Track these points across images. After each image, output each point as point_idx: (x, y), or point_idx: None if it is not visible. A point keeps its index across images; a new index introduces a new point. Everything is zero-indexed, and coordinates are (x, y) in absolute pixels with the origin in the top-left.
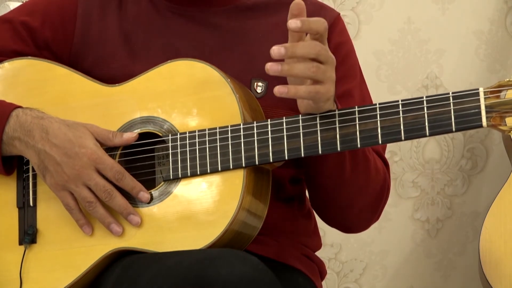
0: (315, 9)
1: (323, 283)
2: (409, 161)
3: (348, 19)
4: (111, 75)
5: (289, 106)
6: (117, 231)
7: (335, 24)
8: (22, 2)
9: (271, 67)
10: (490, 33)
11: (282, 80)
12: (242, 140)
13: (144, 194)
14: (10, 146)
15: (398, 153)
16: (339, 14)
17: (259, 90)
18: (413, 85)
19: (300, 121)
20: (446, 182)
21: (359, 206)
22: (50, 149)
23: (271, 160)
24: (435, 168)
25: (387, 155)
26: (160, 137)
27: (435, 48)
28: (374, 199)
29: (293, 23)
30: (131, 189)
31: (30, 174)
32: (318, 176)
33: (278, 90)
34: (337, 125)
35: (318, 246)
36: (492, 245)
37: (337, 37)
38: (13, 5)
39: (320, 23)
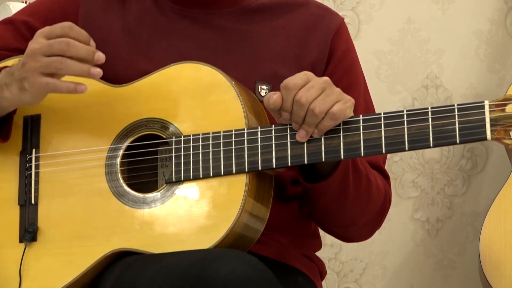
0: (319, 12)
1: (323, 283)
2: (409, 161)
3: (348, 19)
4: (115, 76)
5: None
6: (97, 72)
7: (341, 31)
8: (23, 2)
9: (301, 138)
10: (490, 33)
11: None
12: (245, 145)
13: (94, 46)
14: (1, 99)
15: (398, 153)
16: (343, 19)
17: (263, 93)
18: (413, 85)
19: None
20: (446, 182)
21: (360, 223)
22: (19, 65)
23: (274, 166)
24: (435, 168)
25: (387, 156)
26: (163, 139)
27: (435, 48)
28: (375, 216)
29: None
30: (84, 37)
31: (33, 171)
32: (320, 202)
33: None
34: (341, 133)
35: (318, 246)
36: (492, 245)
37: (342, 45)
38: (13, 5)
39: (296, 79)
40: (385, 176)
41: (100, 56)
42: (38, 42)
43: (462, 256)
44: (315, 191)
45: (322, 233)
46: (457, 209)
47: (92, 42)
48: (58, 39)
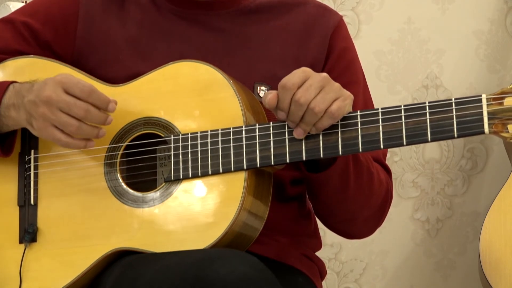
0: (318, 11)
1: (323, 283)
2: (409, 161)
3: (348, 19)
4: (114, 77)
5: None
6: (103, 133)
7: (339, 28)
8: (23, 2)
9: (299, 136)
10: (490, 33)
11: None
12: (244, 142)
13: (113, 104)
14: (6, 118)
15: (398, 153)
16: (342, 17)
17: (262, 94)
18: (413, 85)
19: None
20: (446, 182)
21: (362, 217)
22: (31, 96)
23: (272, 163)
24: (435, 168)
25: (387, 155)
26: (162, 138)
27: (435, 48)
28: (377, 210)
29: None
30: (102, 102)
31: (32, 172)
32: (322, 193)
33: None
34: (339, 129)
35: (318, 246)
36: (492, 245)
37: (341, 43)
38: (13, 5)
39: (294, 79)
40: (387, 171)
41: (110, 119)
42: (56, 93)
43: (462, 256)
44: (317, 182)
45: (322, 233)
46: (457, 209)
47: (112, 105)
48: (78, 104)
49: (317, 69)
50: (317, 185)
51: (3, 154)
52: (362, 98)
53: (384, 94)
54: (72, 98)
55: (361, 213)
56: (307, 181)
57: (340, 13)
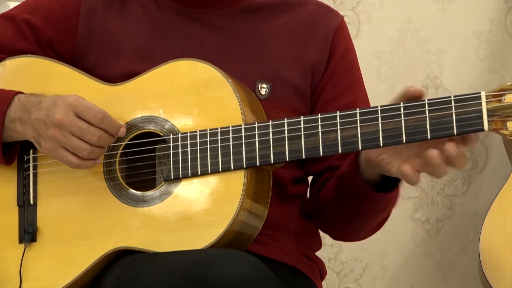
0: (319, 11)
1: (323, 283)
2: None
3: (348, 19)
4: (113, 75)
5: (292, 108)
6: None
7: (340, 29)
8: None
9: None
10: (490, 33)
11: (286, 82)
12: (243, 140)
13: (123, 130)
14: (11, 130)
15: None
16: (343, 18)
17: (263, 92)
18: (413, 85)
19: (302, 122)
20: (446, 182)
21: (368, 228)
22: (39, 114)
23: (272, 161)
24: None
25: None
26: (161, 137)
27: (435, 48)
28: (381, 222)
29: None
30: (113, 128)
31: (31, 172)
32: (338, 212)
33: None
34: (339, 127)
35: (318, 246)
36: (492, 245)
37: (343, 44)
38: (13, 5)
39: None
40: None
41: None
42: (68, 117)
43: (462, 256)
44: (380, 200)
45: (322, 233)
46: (457, 209)
47: (122, 130)
48: (92, 130)
49: (318, 69)
50: (383, 203)
51: (6, 162)
52: (366, 101)
53: (384, 94)
54: (85, 123)
55: (368, 225)
56: (368, 198)
57: (340, 13)
